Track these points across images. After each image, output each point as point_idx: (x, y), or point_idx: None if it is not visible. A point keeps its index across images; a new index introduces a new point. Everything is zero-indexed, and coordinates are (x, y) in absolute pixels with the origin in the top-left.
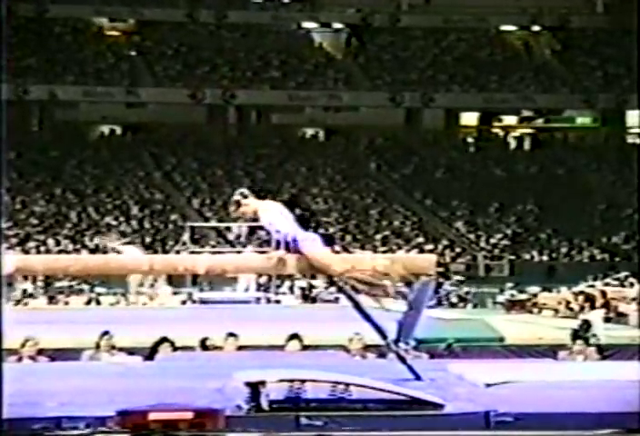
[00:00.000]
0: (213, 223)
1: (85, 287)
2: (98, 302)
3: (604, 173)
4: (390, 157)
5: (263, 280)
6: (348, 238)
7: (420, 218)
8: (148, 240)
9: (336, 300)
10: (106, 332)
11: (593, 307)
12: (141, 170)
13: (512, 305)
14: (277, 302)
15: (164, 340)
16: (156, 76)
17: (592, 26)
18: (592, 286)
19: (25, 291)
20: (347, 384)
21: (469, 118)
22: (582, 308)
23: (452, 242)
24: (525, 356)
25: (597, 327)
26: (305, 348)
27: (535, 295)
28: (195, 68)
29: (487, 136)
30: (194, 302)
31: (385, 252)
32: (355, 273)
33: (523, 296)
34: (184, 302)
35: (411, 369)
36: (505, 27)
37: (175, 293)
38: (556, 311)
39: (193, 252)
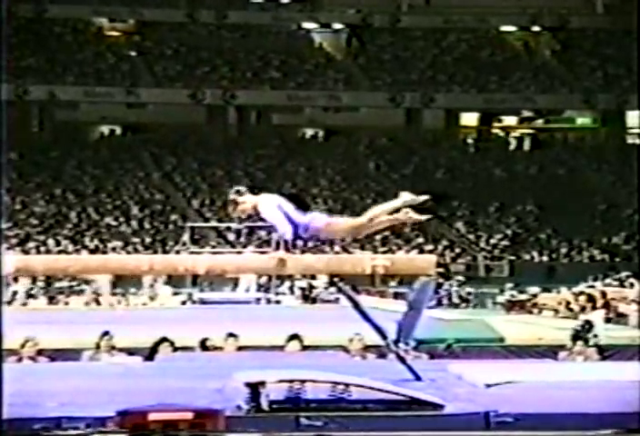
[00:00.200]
0: (213, 224)
1: (85, 287)
2: (98, 303)
3: (604, 173)
4: (390, 157)
5: (263, 280)
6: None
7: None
8: (148, 240)
9: (336, 300)
10: (106, 333)
11: (593, 307)
12: (141, 170)
13: (512, 306)
14: (277, 302)
15: (164, 340)
16: (156, 77)
17: (592, 27)
18: (592, 287)
19: (15, 292)
20: (347, 385)
21: (469, 118)
22: (582, 308)
23: (452, 242)
24: (525, 356)
25: (598, 327)
26: (305, 348)
27: (534, 296)
28: (194, 68)
29: (487, 137)
30: (194, 302)
31: (384, 252)
32: (377, 217)
33: (523, 296)
34: (184, 303)
35: (411, 369)
36: (505, 28)
37: (176, 294)
38: (556, 311)
39: (193, 253)
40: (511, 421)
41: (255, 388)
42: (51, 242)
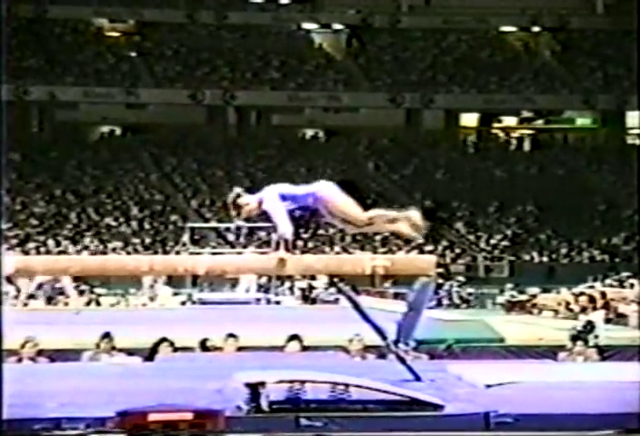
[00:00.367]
0: (213, 224)
1: (85, 288)
2: (98, 303)
3: (604, 174)
4: (390, 158)
5: (263, 281)
6: (348, 239)
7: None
8: (148, 241)
9: (336, 301)
10: (107, 335)
11: (594, 308)
12: (141, 171)
13: (512, 306)
14: (277, 302)
15: (163, 340)
16: (156, 77)
17: (592, 27)
18: (592, 287)
19: (6, 293)
20: (347, 385)
21: (469, 119)
22: (583, 309)
23: (452, 242)
24: (525, 357)
25: (598, 328)
26: (305, 349)
27: (534, 296)
28: (194, 69)
29: (487, 137)
30: (194, 302)
31: (384, 252)
32: (377, 220)
33: (523, 297)
34: (184, 303)
35: (411, 370)
36: (504, 28)
37: (175, 294)
38: (556, 312)
39: (193, 253)
40: (511, 422)
41: (254, 388)
42: (51, 242)
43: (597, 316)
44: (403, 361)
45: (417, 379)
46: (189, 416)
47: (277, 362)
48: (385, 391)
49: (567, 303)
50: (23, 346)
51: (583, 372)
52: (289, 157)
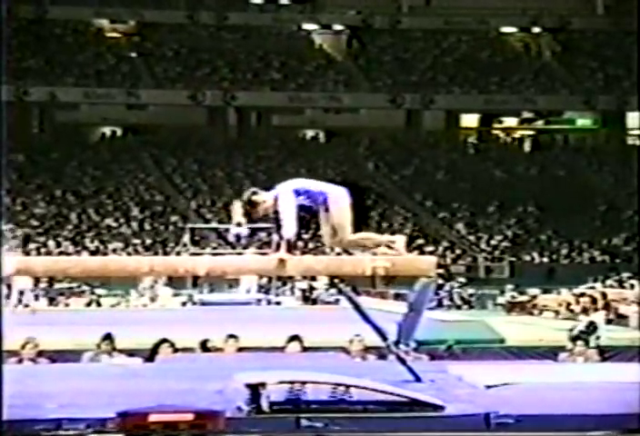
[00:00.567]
0: (213, 225)
1: (86, 288)
2: (99, 304)
3: (604, 174)
4: (390, 159)
5: (263, 281)
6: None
7: (420, 219)
8: (148, 241)
9: (337, 301)
10: (108, 336)
11: (595, 309)
12: (141, 171)
13: (512, 307)
14: (278, 303)
15: (164, 341)
16: (157, 78)
17: (592, 28)
18: (592, 288)
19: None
20: (348, 386)
21: (469, 120)
22: (583, 309)
23: (452, 243)
24: (526, 358)
25: (599, 329)
26: (306, 349)
27: (535, 297)
28: (195, 70)
29: (488, 138)
30: (194, 303)
31: (385, 253)
32: (364, 242)
33: (523, 298)
34: (184, 304)
35: (411, 370)
36: (505, 29)
37: (176, 295)
38: (557, 312)
39: (193, 254)
40: (511, 423)
41: (255, 389)
42: (51, 243)
43: (598, 317)
44: (403, 361)
45: (418, 379)
46: (190, 417)
47: (278, 363)
48: (385, 392)
49: (568, 304)
50: (23, 347)
51: (583, 373)
52: (289, 158)
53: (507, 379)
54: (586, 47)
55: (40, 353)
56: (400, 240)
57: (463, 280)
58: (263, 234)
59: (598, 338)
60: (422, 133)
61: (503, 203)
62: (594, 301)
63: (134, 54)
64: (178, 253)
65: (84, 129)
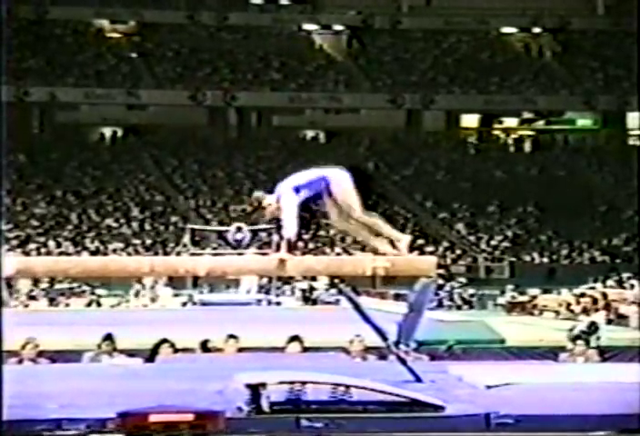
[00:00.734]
0: (214, 227)
1: (86, 288)
2: (99, 304)
3: (604, 174)
4: (390, 159)
5: (263, 282)
6: (349, 240)
7: (421, 220)
8: (149, 242)
9: (337, 302)
10: (109, 336)
11: (595, 309)
12: (141, 172)
13: (512, 307)
14: (278, 303)
15: (164, 341)
16: (157, 78)
17: (592, 28)
18: (592, 288)
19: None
20: (348, 386)
21: (470, 120)
22: (584, 310)
23: (452, 243)
24: (526, 358)
25: (600, 329)
26: (306, 350)
27: (535, 297)
28: (195, 70)
29: (488, 138)
30: (194, 303)
31: (385, 254)
32: (372, 226)
33: (523, 298)
34: (184, 304)
35: (411, 371)
36: (505, 29)
37: (176, 295)
38: (557, 312)
39: (193, 254)
40: (511, 423)
41: (255, 389)
42: (51, 243)
43: (598, 317)
44: (403, 362)
45: (418, 380)
46: (190, 417)
47: (278, 363)
48: (385, 392)
49: (568, 304)
50: (23, 347)
51: (583, 373)
52: (290, 158)
53: (507, 379)
54: (587, 47)
55: (40, 354)
56: (406, 240)
57: (463, 280)
58: (263, 235)
59: (598, 338)
60: (422, 134)
61: (503, 204)
62: (594, 301)
63: (134, 55)
64: (178, 254)
65: (84, 129)
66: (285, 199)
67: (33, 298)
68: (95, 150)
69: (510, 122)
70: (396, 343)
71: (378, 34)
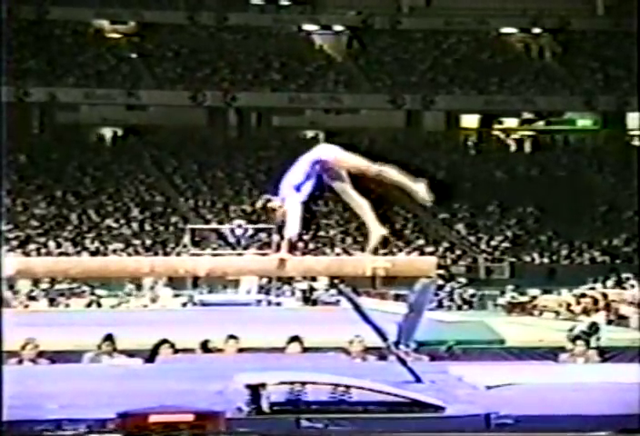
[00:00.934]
0: (213, 226)
1: (86, 289)
2: (99, 305)
3: (604, 175)
4: (390, 159)
5: (263, 282)
6: (349, 240)
7: (421, 220)
8: (149, 242)
9: (337, 302)
10: (109, 337)
11: (596, 310)
12: (141, 172)
13: (512, 307)
14: (278, 304)
15: (164, 342)
16: (157, 78)
17: (592, 28)
18: (592, 289)
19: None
20: (348, 386)
21: (470, 120)
22: (584, 310)
23: (452, 244)
24: (526, 358)
25: (600, 329)
26: (306, 350)
27: (535, 297)
28: (195, 70)
29: (488, 138)
30: (194, 304)
31: (385, 254)
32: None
33: (523, 298)
34: (184, 305)
35: (411, 371)
36: (505, 30)
37: (176, 296)
38: (557, 313)
39: (193, 255)
40: (512, 423)
41: (255, 390)
42: (52, 244)
43: (598, 318)
44: (403, 362)
45: (418, 380)
46: (190, 417)
47: (278, 364)
48: (385, 393)
49: (568, 305)
50: (23, 347)
51: (583, 374)
52: (290, 159)
53: (508, 379)
54: (587, 48)
55: (40, 354)
56: (378, 233)
57: (463, 280)
58: (263, 235)
59: (599, 339)
60: (422, 134)
61: (503, 204)
62: (594, 301)
63: (134, 55)
64: (178, 254)
65: (84, 130)
66: (289, 201)
67: (33, 298)
68: (95, 150)
69: (510, 122)
70: (396, 344)
71: (378, 35)
